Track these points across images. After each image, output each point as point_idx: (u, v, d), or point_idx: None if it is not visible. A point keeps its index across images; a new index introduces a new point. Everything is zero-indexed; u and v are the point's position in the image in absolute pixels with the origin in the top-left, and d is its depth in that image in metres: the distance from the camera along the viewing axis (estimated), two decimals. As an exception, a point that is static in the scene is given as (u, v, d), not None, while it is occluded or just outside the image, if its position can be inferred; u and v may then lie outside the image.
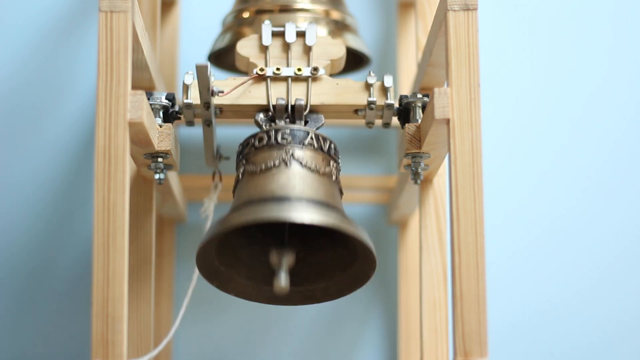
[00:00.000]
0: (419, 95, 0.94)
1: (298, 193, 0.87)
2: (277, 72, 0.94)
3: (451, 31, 0.84)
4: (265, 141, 0.91)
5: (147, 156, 0.92)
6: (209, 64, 0.89)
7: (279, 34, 0.97)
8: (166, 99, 0.93)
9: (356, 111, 0.96)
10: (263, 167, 0.89)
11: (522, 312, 1.23)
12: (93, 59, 1.21)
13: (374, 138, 1.26)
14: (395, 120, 0.96)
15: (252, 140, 0.92)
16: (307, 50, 0.96)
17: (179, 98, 0.96)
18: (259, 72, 0.94)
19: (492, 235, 1.15)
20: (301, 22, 1.02)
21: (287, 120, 0.94)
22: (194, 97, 0.93)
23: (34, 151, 1.23)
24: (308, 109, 0.94)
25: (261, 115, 0.95)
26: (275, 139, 0.90)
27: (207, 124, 0.94)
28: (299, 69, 0.94)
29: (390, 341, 1.23)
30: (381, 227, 1.25)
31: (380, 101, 0.94)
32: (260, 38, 0.96)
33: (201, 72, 0.88)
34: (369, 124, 0.96)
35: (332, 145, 0.93)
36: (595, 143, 1.26)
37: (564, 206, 1.25)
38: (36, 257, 1.22)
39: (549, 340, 1.23)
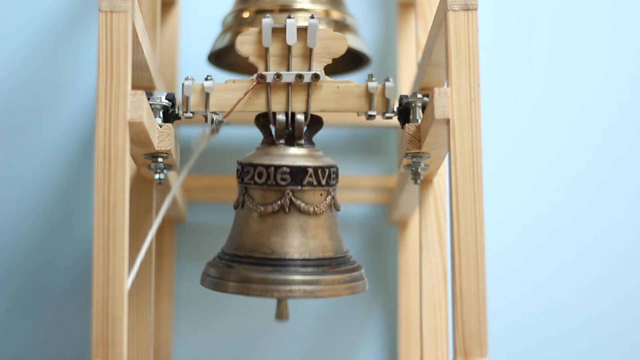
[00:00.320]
0: (419, 95, 0.94)
1: (296, 251, 0.92)
2: (277, 79, 0.93)
3: (451, 31, 0.84)
4: (264, 179, 0.93)
5: (147, 156, 0.92)
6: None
7: (279, 31, 0.96)
8: (166, 99, 0.93)
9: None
10: (262, 210, 0.93)
11: (522, 312, 1.23)
12: (93, 59, 1.21)
13: (374, 138, 1.26)
14: (395, 120, 0.96)
15: (252, 171, 0.94)
16: (308, 49, 0.96)
17: (179, 99, 0.96)
18: (259, 80, 0.93)
19: (492, 235, 1.15)
20: (301, 22, 1.02)
21: (287, 130, 0.94)
22: (194, 105, 0.93)
23: (34, 151, 1.23)
24: (308, 120, 0.95)
25: (261, 120, 0.95)
26: (275, 179, 0.93)
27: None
28: (300, 76, 0.93)
29: (390, 341, 1.23)
30: (381, 227, 1.25)
31: (381, 110, 0.94)
32: (260, 33, 0.95)
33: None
34: (369, 118, 0.96)
35: (331, 172, 0.94)
36: (595, 143, 1.26)
37: (564, 206, 1.25)
38: (36, 257, 1.22)
39: (549, 340, 1.23)
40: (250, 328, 1.23)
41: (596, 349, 1.23)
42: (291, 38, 0.92)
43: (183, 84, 0.93)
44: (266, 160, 0.93)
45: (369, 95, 0.94)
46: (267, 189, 0.93)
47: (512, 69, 1.27)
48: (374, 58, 1.20)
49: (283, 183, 0.93)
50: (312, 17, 0.92)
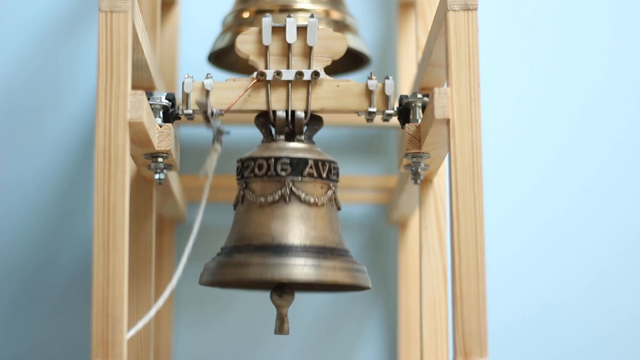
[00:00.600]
0: (419, 95, 0.94)
1: (297, 239, 0.91)
2: (277, 76, 0.93)
3: (451, 31, 0.84)
4: (264, 170, 0.93)
5: (147, 156, 0.92)
6: (209, 104, 0.90)
7: (279, 30, 0.96)
8: (166, 99, 0.93)
9: (356, 111, 0.96)
10: (262, 201, 0.92)
11: (522, 312, 1.23)
12: (93, 59, 1.21)
13: (374, 138, 1.26)
14: (395, 120, 0.96)
15: (252, 165, 0.93)
16: (308, 47, 0.96)
17: (179, 99, 0.96)
18: (260, 78, 0.94)
19: (492, 235, 1.15)
20: (301, 22, 1.02)
21: (287, 128, 0.94)
22: (194, 105, 0.93)
23: (34, 151, 1.23)
24: (308, 118, 0.94)
25: (261, 119, 0.95)
26: (275, 169, 0.92)
27: (207, 122, 0.94)
28: (300, 74, 0.94)
29: (390, 341, 1.23)
30: (381, 227, 1.25)
31: (381, 108, 0.94)
32: (260, 33, 0.95)
33: (201, 108, 0.89)
34: (369, 119, 0.96)
35: (331, 166, 0.94)
36: (595, 143, 1.26)
37: (564, 206, 1.25)
38: (36, 257, 1.22)
39: (549, 340, 1.23)
40: (250, 328, 1.23)
41: (596, 349, 1.23)
42: (291, 36, 0.92)
43: (183, 82, 0.93)
44: (266, 154, 0.93)
45: (369, 94, 0.94)
46: (267, 180, 0.92)
47: (512, 69, 1.27)
48: (374, 58, 1.20)
49: (283, 173, 0.92)
50: (311, 16, 0.92)
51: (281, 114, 0.94)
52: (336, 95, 0.94)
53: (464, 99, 0.83)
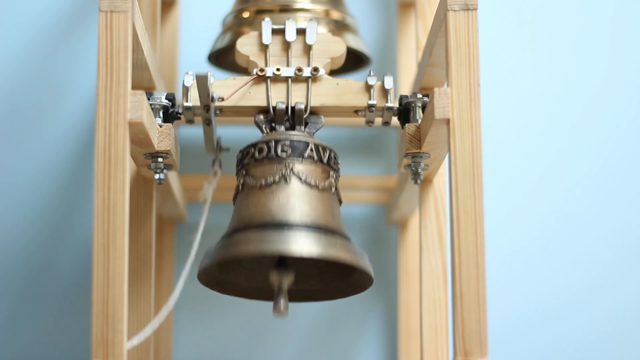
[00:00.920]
0: (419, 95, 0.94)
1: (298, 217, 0.88)
2: (277, 72, 0.94)
3: (451, 31, 0.84)
4: (265, 153, 0.91)
5: (147, 156, 0.92)
6: (209, 73, 0.89)
7: (279, 32, 0.96)
8: (166, 99, 0.93)
9: (356, 111, 0.96)
10: (263, 183, 0.90)
11: (522, 312, 1.23)
12: (93, 59, 1.21)
13: (374, 138, 1.26)
14: (395, 120, 0.96)
15: (252, 150, 0.92)
16: (307, 48, 0.96)
17: (179, 98, 0.96)
18: (259, 73, 0.94)
19: (492, 235, 1.15)
20: (301, 22, 1.02)
21: (287, 123, 0.94)
22: (194, 99, 0.93)
23: (34, 151, 1.23)
24: (308, 111, 0.94)
25: (261, 117, 0.95)
26: (275, 151, 0.91)
27: (207, 122, 0.94)
28: (299, 69, 0.94)
29: (390, 341, 1.23)
30: (381, 227, 1.25)
31: (381, 103, 0.94)
32: (260, 36, 0.95)
33: (201, 82, 0.88)
34: (369, 122, 0.96)
35: (332, 155, 0.93)
36: (595, 143, 1.26)
37: (564, 206, 1.25)
38: (36, 258, 1.22)
39: (549, 340, 1.23)
40: (250, 328, 1.23)
41: (596, 349, 1.23)
42: (291, 35, 0.92)
43: (184, 79, 0.93)
44: (266, 138, 0.92)
45: (369, 90, 0.94)
46: (267, 162, 0.91)
47: (512, 69, 1.27)
48: (374, 58, 1.20)
49: (284, 155, 0.91)
50: (310, 19, 0.93)
51: (281, 105, 0.93)
52: (336, 92, 0.95)
53: (464, 99, 0.83)
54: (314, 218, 0.89)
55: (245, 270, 0.97)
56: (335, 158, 0.94)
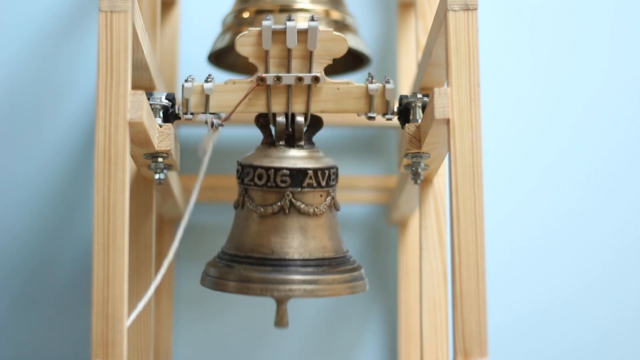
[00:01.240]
0: (419, 95, 0.94)
1: (296, 252, 0.93)
2: (277, 81, 0.93)
3: (451, 31, 0.84)
4: (264, 180, 0.93)
5: (147, 156, 0.92)
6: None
7: (279, 32, 0.96)
8: (166, 99, 0.93)
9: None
10: (262, 211, 0.93)
11: (522, 312, 1.23)
12: (93, 59, 1.21)
13: (374, 138, 1.26)
14: (395, 120, 0.96)
15: (252, 173, 0.94)
16: (308, 52, 0.95)
17: (179, 98, 0.96)
18: (259, 83, 0.93)
19: (492, 235, 1.15)
20: (301, 22, 1.02)
21: (287, 134, 0.94)
22: (195, 106, 0.93)
23: (34, 151, 1.23)
24: (308, 122, 0.95)
25: (261, 120, 0.95)
26: (275, 181, 0.93)
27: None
28: (300, 79, 0.93)
29: (390, 341, 1.23)
30: (381, 227, 1.25)
31: (381, 112, 0.94)
32: (259, 35, 0.95)
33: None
34: (370, 117, 0.96)
35: (330, 173, 0.94)
36: (595, 143, 1.26)
37: (564, 206, 1.25)
38: (36, 257, 1.22)
39: (549, 340, 1.23)
40: (250, 328, 1.23)
41: (596, 349, 1.23)
42: (291, 41, 0.92)
43: (183, 86, 0.92)
44: (266, 162, 0.93)
45: (369, 97, 0.94)
46: (267, 190, 0.93)
47: (512, 69, 1.27)
48: (374, 58, 1.20)
49: (283, 185, 0.93)
50: (312, 19, 0.92)
51: (281, 120, 0.94)
52: (336, 98, 0.94)
53: (464, 99, 0.83)
54: (312, 250, 0.93)
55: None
56: (334, 174, 0.95)
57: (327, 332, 1.23)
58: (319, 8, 1.05)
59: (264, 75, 0.92)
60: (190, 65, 1.23)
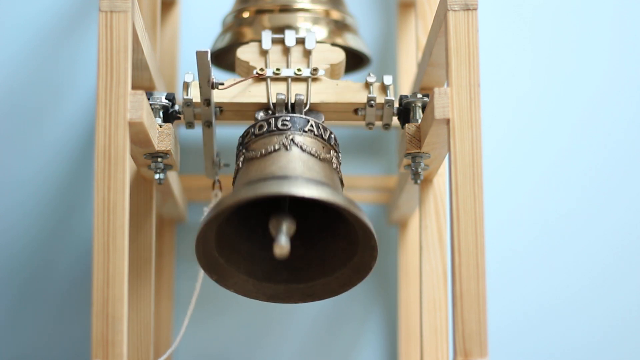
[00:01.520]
0: (419, 95, 0.94)
1: (299, 173, 0.87)
2: (277, 72, 0.94)
3: (451, 31, 0.84)
4: (265, 128, 0.91)
5: (147, 156, 0.92)
6: (209, 50, 0.89)
7: (278, 41, 0.97)
8: (166, 99, 0.93)
9: (356, 111, 0.96)
10: (263, 152, 0.89)
11: (522, 312, 1.23)
12: (93, 59, 1.21)
13: (374, 138, 1.26)
14: (395, 120, 0.96)
15: (252, 129, 0.92)
16: (307, 54, 0.96)
17: (179, 97, 0.96)
18: (259, 72, 0.94)
19: (492, 235, 1.15)
20: (301, 22, 1.02)
21: (286, 103, 0.94)
22: (195, 95, 0.93)
23: (34, 151, 1.23)
24: (308, 106, 0.94)
25: (261, 114, 0.95)
26: (276, 125, 0.90)
27: (207, 124, 0.94)
28: (299, 70, 0.94)
29: (390, 341, 1.23)
30: (381, 227, 1.25)
31: (380, 99, 0.94)
32: (260, 45, 0.96)
33: (201, 59, 0.88)
34: (369, 124, 0.96)
35: (333, 135, 0.93)
36: (595, 143, 1.26)
37: (564, 206, 1.25)
38: (36, 258, 1.22)
39: (549, 340, 1.23)
40: (250, 328, 1.23)
41: (596, 349, 1.23)
42: (290, 41, 0.92)
43: (185, 77, 0.93)
44: (266, 117, 0.92)
45: (368, 87, 0.94)
46: (267, 135, 0.90)
47: (512, 69, 1.27)
48: (374, 58, 1.20)
49: (284, 128, 0.90)
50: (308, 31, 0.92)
51: (281, 96, 0.93)
52: (335, 90, 0.95)
53: (464, 99, 0.83)
54: (314, 176, 0.87)
55: (245, 262, 0.94)
56: (335, 139, 0.93)
57: (327, 332, 1.23)
58: (319, 8, 1.05)
59: (263, 67, 0.93)
60: (190, 65, 1.22)
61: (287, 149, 0.89)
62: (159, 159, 0.92)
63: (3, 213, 1.22)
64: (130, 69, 0.82)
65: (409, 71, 1.20)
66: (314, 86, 0.95)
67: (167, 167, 0.94)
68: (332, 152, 0.92)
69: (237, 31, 1.05)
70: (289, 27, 0.99)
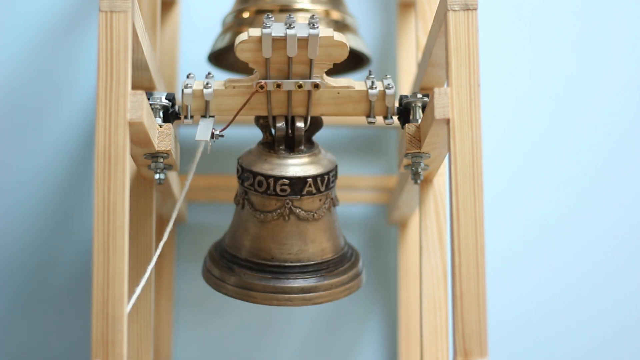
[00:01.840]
0: (419, 95, 0.94)
1: (295, 258, 0.94)
2: (277, 88, 0.92)
3: (451, 31, 0.84)
4: (264, 188, 0.94)
5: (147, 156, 0.92)
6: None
7: (280, 39, 0.96)
8: (166, 99, 0.93)
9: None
10: (262, 217, 0.94)
11: (522, 312, 1.23)
12: (93, 59, 1.21)
13: (374, 138, 1.26)
14: (395, 120, 0.96)
15: (252, 179, 0.94)
16: (309, 58, 0.95)
17: (179, 98, 0.96)
18: (259, 90, 0.93)
19: (492, 235, 1.15)
20: (301, 21, 1.02)
21: (288, 136, 0.94)
22: (195, 110, 0.93)
23: (34, 151, 1.23)
24: (307, 125, 0.95)
25: (261, 120, 0.95)
26: (274, 189, 0.93)
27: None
28: (300, 85, 0.92)
29: (390, 341, 1.23)
30: (381, 227, 1.25)
31: (381, 114, 0.94)
32: (259, 40, 0.95)
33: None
34: (370, 122, 0.96)
35: (330, 176, 0.95)
36: (595, 143, 1.26)
37: (564, 206, 1.25)
38: (36, 257, 1.22)
39: (549, 340, 1.23)
40: (250, 328, 1.23)
41: (596, 349, 1.23)
42: (292, 50, 0.91)
43: (183, 91, 0.92)
44: (266, 170, 0.94)
45: (369, 101, 0.94)
46: (266, 197, 0.94)
47: (512, 69, 1.27)
48: (374, 58, 1.20)
49: (282, 194, 0.93)
50: (312, 25, 0.90)
51: (281, 125, 0.94)
52: (336, 102, 0.94)
53: (464, 99, 0.83)
54: (310, 255, 0.95)
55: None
56: (334, 176, 0.96)
57: (327, 332, 1.23)
58: (319, 8, 1.05)
59: (263, 82, 0.92)
60: (190, 65, 1.23)
61: (285, 220, 0.94)
62: (159, 159, 0.92)
63: (3, 213, 1.22)
64: (130, 69, 0.82)
65: (409, 71, 1.20)
66: (314, 97, 0.94)
67: (167, 167, 0.94)
68: (328, 194, 0.96)
69: (237, 31, 1.05)
70: (290, 17, 0.98)
